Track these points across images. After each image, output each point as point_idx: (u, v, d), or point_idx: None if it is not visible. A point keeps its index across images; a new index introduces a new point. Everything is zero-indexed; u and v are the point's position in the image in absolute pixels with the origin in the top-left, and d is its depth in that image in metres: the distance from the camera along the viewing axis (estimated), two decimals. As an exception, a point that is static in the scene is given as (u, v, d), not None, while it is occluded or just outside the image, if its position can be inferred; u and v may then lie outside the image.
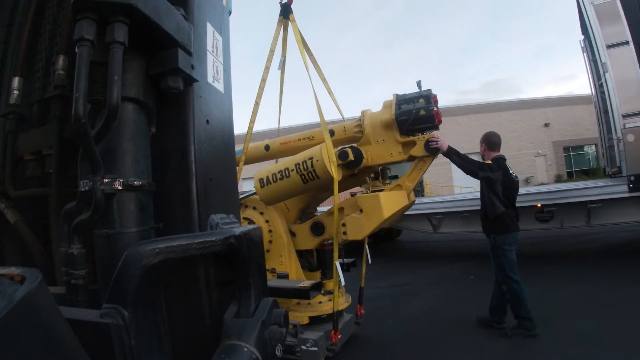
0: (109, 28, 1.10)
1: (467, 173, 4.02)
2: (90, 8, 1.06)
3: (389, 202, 3.37)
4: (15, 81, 1.53)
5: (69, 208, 1.18)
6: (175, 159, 1.36)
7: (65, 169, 1.43)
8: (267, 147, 4.37)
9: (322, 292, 3.79)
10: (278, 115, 4.57)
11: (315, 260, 4.13)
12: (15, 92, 1.52)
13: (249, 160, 4.38)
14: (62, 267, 1.18)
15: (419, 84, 3.67)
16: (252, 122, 3.90)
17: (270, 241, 3.89)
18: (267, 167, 3.70)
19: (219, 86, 1.58)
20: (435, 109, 3.49)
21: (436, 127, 3.65)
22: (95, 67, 1.11)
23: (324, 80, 4.00)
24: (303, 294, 3.16)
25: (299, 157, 3.47)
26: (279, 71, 4.13)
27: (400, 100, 3.64)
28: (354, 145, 3.70)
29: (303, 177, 3.39)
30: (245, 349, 1.10)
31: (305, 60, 3.75)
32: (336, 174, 3.24)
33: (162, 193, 1.32)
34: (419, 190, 13.60)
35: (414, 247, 12.03)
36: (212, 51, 1.55)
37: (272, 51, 3.89)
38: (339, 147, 3.59)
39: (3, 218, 1.51)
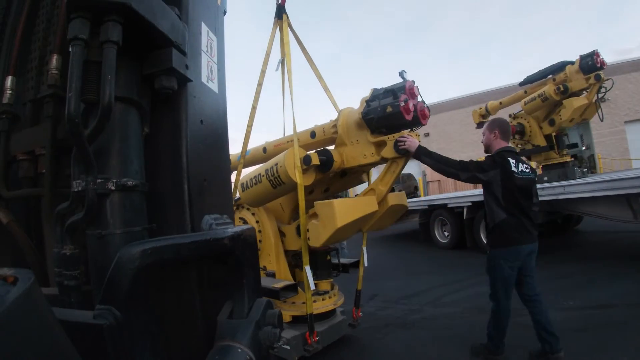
0: (103, 27, 1.09)
1: (446, 176, 3.43)
2: (84, 7, 1.06)
3: (345, 209, 3.17)
4: (9, 80, 1.52)
5: (62, 208, 1.17)
6: (168, 159, 1.36)
7: (58, 169, 1.41)
8: (264, 150, 4.39)
9: (315, 291, 3.81)
10: (292, 116, 4.61)
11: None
12: (9, 91, 1.51)
13: (251, 162, 4.42)
14: (54, 268, 1.17)
15: (401, 74, 3.30)
16: (249, 126, 3.92)
17: (260, 240, 3.94)
18: (249, 172, 3.74)
19: (213, 86, 1.58)
20: (402, 104, 3.08)
21: (410, 125, 3.31)
22: (89, 67, 1.11)
23: (319, 78, 4.01)
24: (273, 294, 3.19)
25: (270, 162, 3.49)
26: (278, 72, 4.11)
27: (373, 96, 3.37)
28: (326, 147, 3.64)
29: (271, 182, 3.40)
30: (239, 350, 1.10)
31: (306, 57, 3.74)
32: (300, 179, 3.23)
33: (155, 193, 1.32)
34: (590, 167, 10.61)
35: (600, 240, 8.54)
36: (207, 51, 1.55)
37: (267, 54, 3.89)
38: (316, 150, 3.56)
39: None
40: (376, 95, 3.33)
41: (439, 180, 23.81)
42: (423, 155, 3.24)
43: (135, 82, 1.27)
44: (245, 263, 1.25)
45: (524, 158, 4.29)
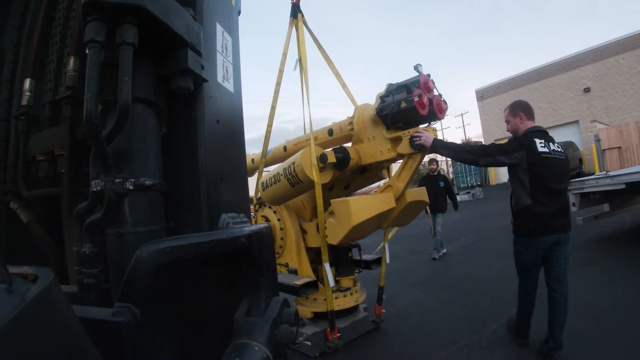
0: (119, 29, 1.11)
1: (467, 163, 3.43)
2: (99, 10, 1.07)
3: (361, 207, 3.18)
4: (27, 83, 1.56)
5: (81, 208, 1.19)
6: (185, 159, 1.37)
7: (77, 169, 1.44)
8: (285, 148, 4.43)
9: (334, 288, 3.83)
10: (308, 113, 4.64)
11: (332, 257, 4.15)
12: (27, 93, 1.55)
13: (273, 161, 4.48)
14: (74, 266, 1.19)
15: (416, 67, 3.20)
16: (269, 125, 3.96)
17: (282, 238, 3.98)
18: (270, 171, 3.80)
19: (229, 86, 1.59)
20: (416, 99, 3.00)
21: (426, 120, 3.26)
22: (106, 69, 1.12)
23: (337, 75, 4.02)
24: (294, 291, 3.24)
25: (288, 161, 3.53)
26: (295, 72, 4.13)
27: (388, 92, 3.33)
28: (343, 145, 3.64)
29: (290, 181, 3.43)
30: (256, 348, 1.09)
31: (323, 55, 3.74)
32: (317, 177, 3.24)
33: (173, 192, 1.33)
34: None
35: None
36: (222, 51, 1.56)
37: (284, 54, 3.90)
38: (332, 147, 3.57)
39: (17, 218, 1.53)
40: (390, 90, 3.29)
41: (619, 148, 18.27)
42: (440, 147, 3.12)
43: (151, 82, 1.29)
44: (262, 261, 1.25)
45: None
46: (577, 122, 24.12)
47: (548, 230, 3.00)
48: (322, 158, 3.30)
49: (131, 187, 1.16)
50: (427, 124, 3.33)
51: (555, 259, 3.11)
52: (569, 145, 19.31)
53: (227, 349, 1.12)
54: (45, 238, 1.50)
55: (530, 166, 2.94)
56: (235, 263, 1.27)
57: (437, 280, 6.24)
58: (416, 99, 3.00)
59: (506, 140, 3.19)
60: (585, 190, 6.50)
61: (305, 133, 4.37)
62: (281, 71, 3.92)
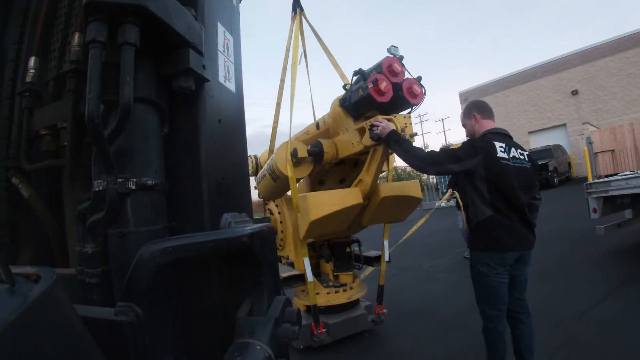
0: (121, 29, 1.11)
1: (415, 169, 2.85)
2: (101, 10, 1.07)
3: (320, 202, 3.05)
4: (32, 61, 1.57)
5: (84, 208, 1.20)
6: (187, 159, 1.37)
7: (79, 142, 1.46)
8: None
9: (330, 283, 3.89)
10: (312, 111, 4.63)
11: (329, 252, 4.16)
12: (32, 70, 1.56)
13: None
14: (76, 266, 1.20)
15: (389, 49, 2.88)
16: (275, 121, 3.97)
17: (282, 231, 4.03)
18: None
19: (231, 86, 1.59)
20: (370, 85, 2.71)
21: (393, 107, 2.94)
22: (107, 68, 1.13)
23: (342, 76, 4.00)
24: None
25: (271, 157, 3.52)
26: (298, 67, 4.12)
27: (354, 80, 3.10)
28: (319, 139, 3.54)
29: (271, 176, 3.42)
30: (259, 347, 1.10)
31: (325, 50, 3.73)
32: (291, 172, 3.20)
33: (175, 192, 1.33)
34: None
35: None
36: (223, 51, 1.56)
37: (287, 50, 3.90)
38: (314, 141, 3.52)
39: (18, 193, 1.54)
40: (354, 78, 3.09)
41: (612, 151, 16.79)
42: (393, 142, 2.72)
43: (153, 82, 1.29)
44: (264, 260, 1.25)
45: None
46: (564, 125, 23.72)
47: (515, 244, 2.58)
48: (294, 153, 3.24)
49: (133, 187, 1.16)
50: (409, 111, 3.07)
51: (518, 281, 2.73)
52: (557, 149, 18.90)
53: (229, 348, 1.13)
54: (45, 214, 1.51)
55: (489, 173, 2.51)
56: (237, 262, 1.28)
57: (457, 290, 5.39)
58: (370, 85, 2.73)
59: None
60: (610, 194, 5.48)
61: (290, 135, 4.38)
62: (284, 67, 3.90)
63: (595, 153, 17.07)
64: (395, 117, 2.95)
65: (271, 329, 1.15)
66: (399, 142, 2.72)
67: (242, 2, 1.81)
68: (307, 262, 3.41)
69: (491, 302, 2.64)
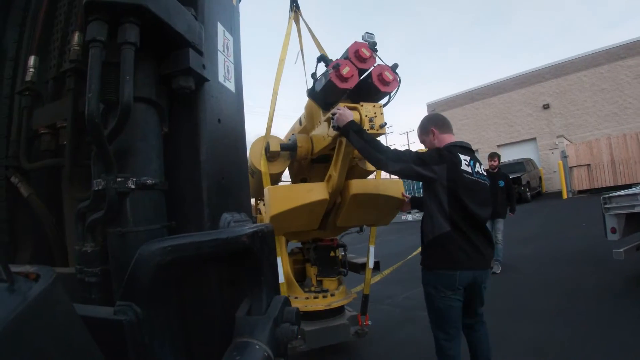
0: (121, 29, 1.11)
1: (372, 163, 2.70)
2: (101, 9, 1.07)
3: (281, 197, 2.85)
4: (32, 60, 1.56)
5: (83, 207, 1.20)
6: (187, 158, 1.37)
7: (78, 141, 1.45)
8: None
9: (312, 289, 3.58)
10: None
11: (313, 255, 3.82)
12: (31, 70, 1.55)
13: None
14: (76, 265, 1.20)
15: (364, 36, 2.66)
16: (270, 115, 3.92)
17: None
18: None
19: (230, 85, 1.59)
20: (331, 71, 2.49)
21: (359, 98, 2.69)
22: (107, 68, 1.13)
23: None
24: None
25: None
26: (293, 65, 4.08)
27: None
28: (294, 134, 3.40)
29: (250, 172, 3.29)
30: (257, 347, 1.10)
31: (321, 50, 3.71)
32: (265, 167, 3.14)
33: (174, 192, 1.33)
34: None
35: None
36: (223, 51, 1.56)
37: (284, 46, 3.89)
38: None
39: (17, 192, 1.54)
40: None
41: (588, 165, 16.58)
42: (352, 131, 2.45)
43: (153, 82, 1.29)
44: (263, 260, 1.26)
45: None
46: (534, 139, 23.46)
47: (474, 263, 2.41)
48: (266, 147, 3.18)
49: (133, 186, 1.16)
50: (388, 100, 2.82)
51: (475, 301, 2.58)
52: (528, 162, 18.31)
53: (228, 347, 1.13)
54: (45, 213, 1.51)
55: (451, 185, 2.37)
56: (237, 262, 1.28)
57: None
58: (330, 70, 2.50)
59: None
60: (637, 210, 4.50)
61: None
62: (282, 60, 3.81)
63: (571, 167, 16.97)
64: (362, 105, 2.68)
65: (270, 329, 1.16)
66: (359, 132, 2.46)
67: (241, 2, 1.81)
68: (279, 261, 3.08)
69: (439, 324, 2.50)
